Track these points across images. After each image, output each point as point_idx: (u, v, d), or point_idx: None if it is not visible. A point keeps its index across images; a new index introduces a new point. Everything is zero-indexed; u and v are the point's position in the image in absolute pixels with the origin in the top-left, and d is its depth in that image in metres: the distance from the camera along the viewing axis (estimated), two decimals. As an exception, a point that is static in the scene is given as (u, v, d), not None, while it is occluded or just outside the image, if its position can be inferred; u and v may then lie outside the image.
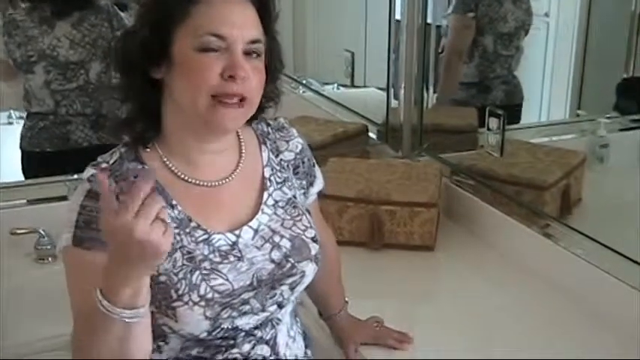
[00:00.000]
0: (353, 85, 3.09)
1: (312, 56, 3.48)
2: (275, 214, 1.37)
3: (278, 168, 1.41)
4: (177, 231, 1.25)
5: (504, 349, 1.68)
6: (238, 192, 1.35)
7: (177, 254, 1.25)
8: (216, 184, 1.32)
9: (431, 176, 2.26)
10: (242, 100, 1.25)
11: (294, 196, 1.41)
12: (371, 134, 2.72)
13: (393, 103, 2.63)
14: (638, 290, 1.70)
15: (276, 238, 1.35)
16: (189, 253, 1.26)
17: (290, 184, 1.42)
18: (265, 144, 1.42)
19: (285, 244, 1.35)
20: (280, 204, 1.38)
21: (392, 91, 2.64)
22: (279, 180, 1.40)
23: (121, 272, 1.09)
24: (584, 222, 2.02)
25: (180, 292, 1.24)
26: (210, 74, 1.21)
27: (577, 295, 1.84)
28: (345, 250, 2.13)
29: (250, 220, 1.34)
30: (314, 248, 1.38)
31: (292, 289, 1.35)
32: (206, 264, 1.27)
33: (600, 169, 2.28)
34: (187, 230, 1.27)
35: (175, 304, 1.24)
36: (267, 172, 1.39)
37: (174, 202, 1.27)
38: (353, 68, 3.05)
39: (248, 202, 1.36)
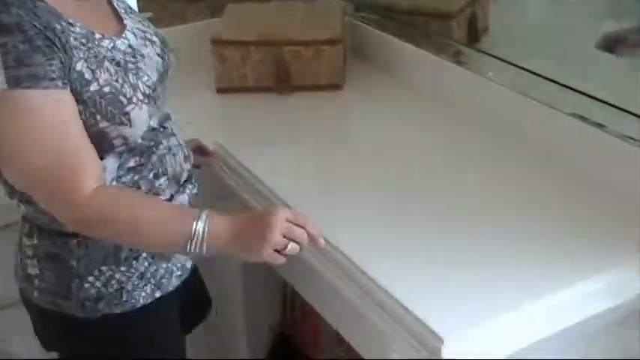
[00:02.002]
0: None
1: None
2: (131, 19, 1.45)
3: None
4: (89, 45, 1.29)
5: (423, 182, 1.64)
6: (100, 5, 1.41)
7: (106, 63, 1.30)
8: None
9: (333, 14, 2.18)
10: None
11: (128, 6, 1.50)
12: (266, -23, 2.56)
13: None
14: (547, 105, 1.68)
15: (148, 36, 1.45)
16: (113, 59, 1.32)
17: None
18: None
19: (155, 39, 1.46)
20: (128, 10, 1.47)
21: None
22: None
23: (236, 236, 1.26)
24: (494, 48, 1.97)
25: (127, 95, 1.30)
26: None
27: (493, 118, 1.80)
28: (252, 97, 2.07)
29: (125, 26, 1.41)
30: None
31: (167, 81, 1.46)
32: (130, 65, 1.34)
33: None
34: (96, 42, 1.31)
35: (128, 108, 1.30)
36: None
37: (71, 21, 1.28)
38: None
39: (111, 13, 1.43)
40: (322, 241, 1.31)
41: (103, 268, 1.37)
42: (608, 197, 1.52)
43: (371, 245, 1.42)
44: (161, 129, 1.41)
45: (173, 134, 1.45)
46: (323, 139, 1.86)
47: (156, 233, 1.29)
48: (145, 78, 1.36)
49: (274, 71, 2.05)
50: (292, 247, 1.27)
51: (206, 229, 1.26)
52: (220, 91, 2.08)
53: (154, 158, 1.39)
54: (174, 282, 1.45)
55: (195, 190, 1.50)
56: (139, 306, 1.40)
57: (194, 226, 1.26)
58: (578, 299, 1.31)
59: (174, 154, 1.44)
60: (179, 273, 1.46)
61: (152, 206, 1.32)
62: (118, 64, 1.31)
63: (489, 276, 1.32)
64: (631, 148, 1.51)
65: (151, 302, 1.42)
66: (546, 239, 1.42)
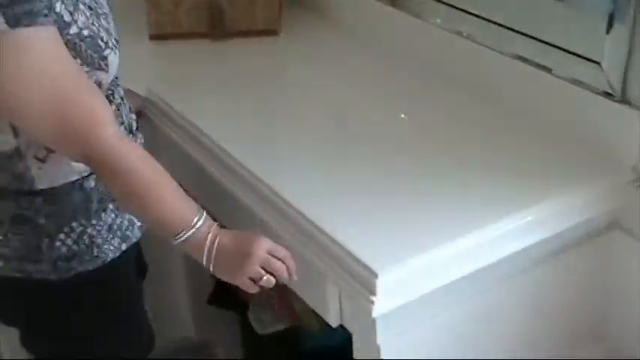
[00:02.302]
0: None
1: None
2: None
3: None
4: None
5: (358, 124, 1.64)
6: None
7: (81, 6, 1.25)
8: None
9: (269, -42, 2.14)
10: None
11: None
12: None
13: None
14: (484, 46, 1.69)
15: None
16: (84, 2, 1.27)
17: None
18: None
19: None
20: None
21: None
22: None
23: (217, 252, 1.24)
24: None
25: (104, 39, 1.28)
26: None
27: (431, 61, 1.81)
28: (186, 43, 2.04)
29: None
30: None
31: None
32: (98, 10, 1.31)
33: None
34: None
35: (105, 52, 1.28)
36: None
37: None
38: None
39: None
40: (295, 278, 1.29)
41: (74, 224, 1.34)
42: (537, 137, 1.55)
43: (306, 185, 1.42)
44: (115, 78, 1.38)
45: (119, 84, 1.43)
46: (260, 85, 1.84)
47: (165, 205, 1.24)
48: (111, 24, 1.33)
49: (209, 17, 2.02)
50: (268, 279, 1.25)
51: (200, 224, 1.24)
52: (153, 38, 2.04)
53: (113, 107, 1.37)
54: (137, 233, 1.44)
55: (142, 140, 1.49)
56: (108, 260, 1.39)
57: (195, 219, 1.24)
58: (509, 234, 1.33)
59: (125, 104, 1.43)
60: (139, 223, 1.44)
61: (172, 180, 1.27)
62: (90, 7, 1.28)
63: (421, 213, 1.34)
64: (572, 87, 1.53)
65: (118, 256, 1.40)
66: (474, 177, 1.44)
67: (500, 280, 1.40)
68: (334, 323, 1.36)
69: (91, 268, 1.37)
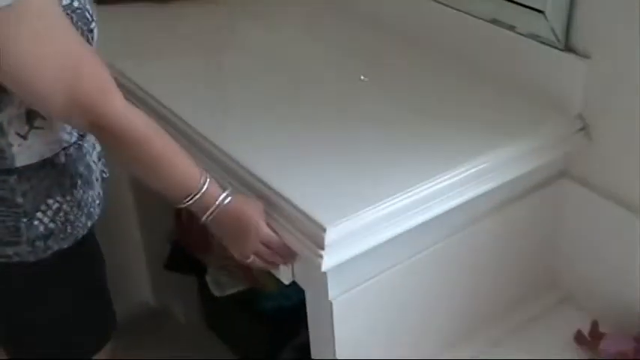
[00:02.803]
0: None
1: None
2: None
3: None
4: None
5: (310, 85, 1.63)
6: None
7: None
8: None
9: None
10: None
11: None
12: None
13: None
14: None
15: None
16: None
17: None
18: None
19: None
20: None
21: None
22: None
23: (227, 213, 1.28)
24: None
25: (90, 11, 1.26)
26: None
27: (386, 17, 1.80)
28: (130, 7, 2.00)
29: None
30: None
31: None
32: None
33: None
34: None
35: (92, 24, 1.27)
36: None
37: None
38: None
39: None
40: (290, 264, 1.35)
41: (49, 200, 1.31)
42: (483, 88, 1.56)
43: (253, 142, 1.42)
44: None
45: None
46: (207, 46, 1.82)
47: (174, 172, 1.27)
48: None
49: (152, -21, 1.99)
50: (255, 262, 1.32)
51: (205, 187, 1.27)
52: (97, 1, 1.99)
53: None
54: (97, 210, 1.42)
55: None
56: (79, 237, 1.37)
57: (201, 182, 1.27)
58: (457, 185, 1.34)
59: None
60: (98, 202, 1.42)
61: (177, 144, 1.28)
62: None
63: (368, 166, 1.35)
64: (516, 37, 1.53)
65: (87, 233, 1.39)
66: (422, 130, 1.44)
67: (451, 232, 1.40)
68: (286, 280, 1.36)
69: (65, 246, 1.35)
